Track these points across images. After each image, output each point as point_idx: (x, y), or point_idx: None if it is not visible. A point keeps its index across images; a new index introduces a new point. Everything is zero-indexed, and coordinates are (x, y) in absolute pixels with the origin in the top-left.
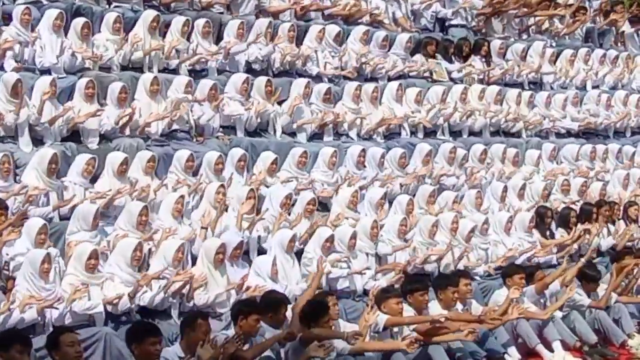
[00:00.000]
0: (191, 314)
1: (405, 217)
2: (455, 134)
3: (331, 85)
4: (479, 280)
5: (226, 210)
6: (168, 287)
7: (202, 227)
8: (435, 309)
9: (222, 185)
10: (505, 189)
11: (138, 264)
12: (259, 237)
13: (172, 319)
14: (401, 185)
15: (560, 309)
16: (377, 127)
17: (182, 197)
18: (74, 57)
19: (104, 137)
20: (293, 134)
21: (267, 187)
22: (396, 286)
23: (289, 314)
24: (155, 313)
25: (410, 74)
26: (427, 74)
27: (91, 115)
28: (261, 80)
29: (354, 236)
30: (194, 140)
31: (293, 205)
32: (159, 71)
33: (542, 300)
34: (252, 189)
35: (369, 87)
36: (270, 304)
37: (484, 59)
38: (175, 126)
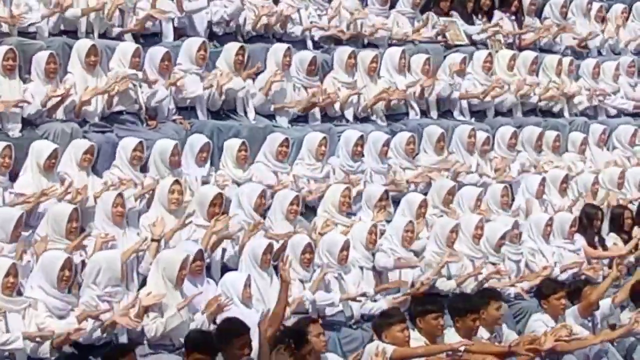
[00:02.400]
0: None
1: (412, 221)
2: (478, 113)
3: (316, 53)
4: (511, 300)
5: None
6: (108, 326)
7: (152, 240)
8: (452, 337)
9: (176, 182)
10: (542, 183)
11: (67, 284)
12: (223, 250)
13: None
14: (408, 182)
15: (613, 341)
16: (374, 104)
17: (121, 196)
18: None
19: (28, 122)
20: (271, 116)
21: (238, 184)
22: (402, 309)
23: (254, 344)
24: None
25: (418, 39)
26: (440, 38)
27: (15, 104)
28: (231, 47)
29: (346, 247)
30: (145, 124)
31: (268, 208)
32: (99, 36)
33: (590, 325)
34: (220, 193)
35: (366, 55)
36: (223, 336)
37: (513, 18)
38: (119, 107)
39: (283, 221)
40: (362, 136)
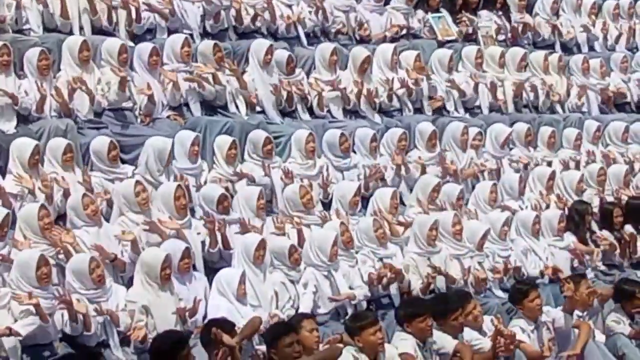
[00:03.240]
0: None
1: (376, 219)
2: (471, 110)
3: (311, 49)
4: (501, 298)
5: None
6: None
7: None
8: (441, 337)
9: (138, 182)
10: (526, 179)
11: (47, 283)
12: (202, 243)
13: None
14: (399, 177)
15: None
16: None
17: (86, 195)
18: None
19: (23, 119)
20: (263, 112)
21: (232, 182)
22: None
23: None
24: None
25: (409, 33)
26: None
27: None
28: (206, 45)
29: (336, 241)
30: (139, 121)
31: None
32: (93, 33)
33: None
34: (179, 185)
35: (359, 53)
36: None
37: (499, 13)
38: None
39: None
40: (342, 133)
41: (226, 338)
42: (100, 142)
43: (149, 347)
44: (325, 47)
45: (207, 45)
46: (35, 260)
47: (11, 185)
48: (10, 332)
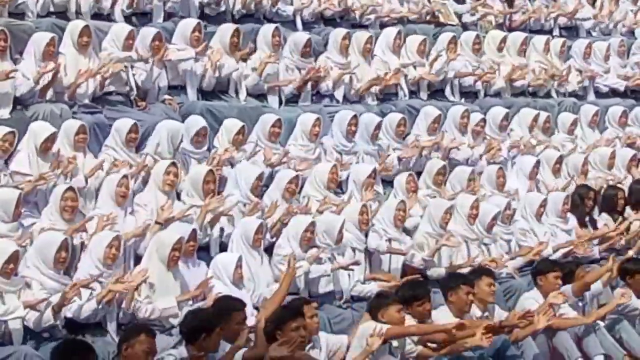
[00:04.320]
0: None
1: (403, 200)
2: (468, 94)
3: (309, 33)
4: (501, 279)
5: (178, 198)
6: (103, 296)
7: (156, 222)
8: (443, 316)
9: (173, 164)
10: (537, 164)
11: (63, 266)
12: (221, 229)
13: (108, 335)
14: (399, 160)
15: (603, 318)
16: (369, 87)
17: (126, 177)
18: None
19: (19, 103)
20: (261, 97)
21: (231, 165)
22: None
23: (251, 320)
24: (87, 327)
25: (410, 17)
26: (429, 17)
27: (5, 76)
28: (225, 29)
29: (343, 227)
30: (134, 105)
31: (266, 187)
32: (91, 17)
33: (580, 304)
34: (211, 170)
35: (361, 35)
36: (221, 313)
37: None
38: (109, 87)
39: (280, 200)
40: (355, 116)
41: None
42: (123, 123)
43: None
44: (338, 32)
45: (224, 29)
46: (57, 244)
47: (20, 166)
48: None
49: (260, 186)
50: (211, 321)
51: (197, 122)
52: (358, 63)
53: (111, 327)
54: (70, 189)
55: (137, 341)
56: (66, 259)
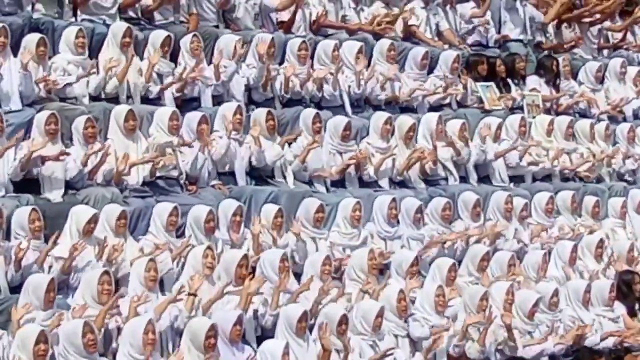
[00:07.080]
0: None
1: (441, 285)
2: (515, 178)
3: (354, 117)
4: None
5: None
6: None
7: (189, 294)
8: None
9: (209, 247)
10: (575, 249)
11: (95, 349)
12: (255, 311)
13: None
14: (443, 247)
15: None
16: (407, 167)
17: (153, 260)
18: (29, 83)
19: (70, 187)
20: (309, 182)
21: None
22: None
23: None
24: None
25: (449, 102)
26: (472, 102)
27: (55, 157)
28: (260, 112)
29: (381, 313)
30: (184, 190)
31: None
32: (141, 101)
33: None
34: (245, 255)
35: (404, 122)
36: None
37: (551, 83)
38: (160, 172)
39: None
40: (394, 199)
41: None
42: (163, 206)
43: None
44: (380, 116)
45: (259, 114)
46: (80, 329)
47: (62, 250)
48: None
49: (286, 267)
50: None
51: (231, 204)
52: (399, 148)
53: None
54: (106, 272)
55: None
56: (95, 340)
